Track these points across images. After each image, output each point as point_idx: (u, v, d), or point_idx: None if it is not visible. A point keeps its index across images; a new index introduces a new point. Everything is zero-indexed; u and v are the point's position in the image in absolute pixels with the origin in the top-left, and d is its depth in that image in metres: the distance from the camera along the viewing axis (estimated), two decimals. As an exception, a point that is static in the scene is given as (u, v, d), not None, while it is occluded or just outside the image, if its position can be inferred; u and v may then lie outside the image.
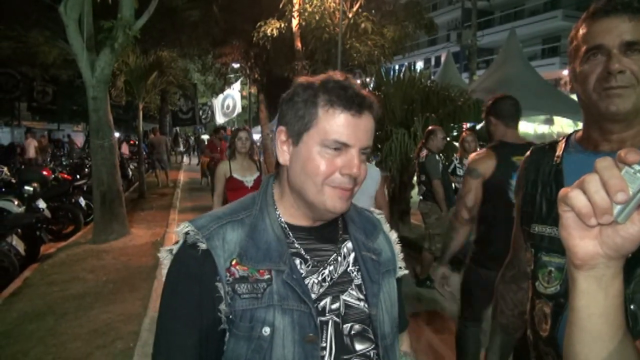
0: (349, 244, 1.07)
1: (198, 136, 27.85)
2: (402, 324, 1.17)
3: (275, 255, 0.96)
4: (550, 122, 13.08)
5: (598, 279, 0.64)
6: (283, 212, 1.04)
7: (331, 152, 0.95)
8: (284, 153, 1.01)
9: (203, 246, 0.95)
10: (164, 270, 1.00)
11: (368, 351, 1.00)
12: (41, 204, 7.10)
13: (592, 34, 1.08)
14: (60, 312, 4.61)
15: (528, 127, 14.00)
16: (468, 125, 8.43)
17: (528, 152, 1.36)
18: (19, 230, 6.20)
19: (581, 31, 1.12)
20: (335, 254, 1.04)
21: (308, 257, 1.01)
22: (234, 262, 0.95)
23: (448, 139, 7.52)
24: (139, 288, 5.03)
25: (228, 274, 0.94)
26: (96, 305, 4.76)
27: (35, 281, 5.55)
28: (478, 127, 8.30)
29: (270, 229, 1.00)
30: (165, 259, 1.00)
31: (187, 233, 0.97)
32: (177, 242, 1.00)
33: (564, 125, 12.39)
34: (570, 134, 1.27)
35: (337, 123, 0.95)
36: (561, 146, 1.24)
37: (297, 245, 1.01)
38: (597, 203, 0.57)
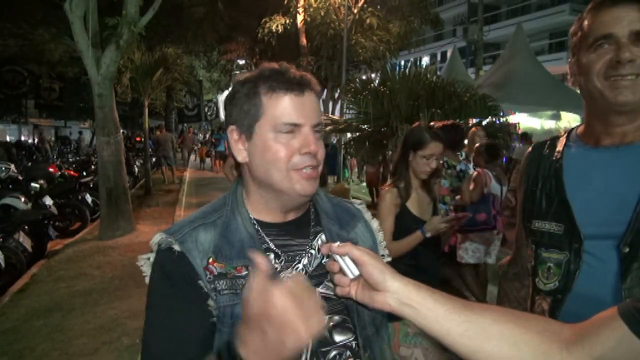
0: (323, 237, 1.07)
1: (182, 132, 26.14)
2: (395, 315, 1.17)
3: (249, 252, 0.96)
4: (557, 117, 12.98)
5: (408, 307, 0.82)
6: (252, 210, 1.05)
7: (285, 136, 0.96)
8: (240, 151, 1.02)
9: (177, 248, 0.96)
10: (146, 279, 1.00)
11: (349, 342, 1.01)
12: (48, 200, 7.14)
13: (601, 24, 1.07)
14: (67, 308, 4.64)
15: (535, 123, 13.90)
16: (474, 120, 8.38)
17: (530, 149, 1.35)
18: (26, 227, 6.25)
19: (588, 21, 1.11)
20: (307, 248, 1.05)
21: (280, 252, 1.02)
22: (210, 260, 0.95)
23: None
24: (145, 284, 5.09)
25: (207, 272, 0.95)
26: (102, 302, 4.79)
27: (42, 277, 5.59)
28: (484, 122, 8.25)
29: (242, 227, 1.00)
30: (144, 266, 1.01)
31: (160, 239, 0.99)
32: (152, 251, 1.01)
33: (571, 121, 12.28)
34: (572, 129, 1.26)
35: (282, 106, 0.96)
36: (562, 141, 1.24)
37: (268, 241, 1.02)
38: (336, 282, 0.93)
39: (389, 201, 2.55)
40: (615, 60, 1.05)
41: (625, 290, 1.01)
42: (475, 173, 4.33)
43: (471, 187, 4.22)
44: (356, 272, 0.87)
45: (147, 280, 1.00)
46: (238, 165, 1.07)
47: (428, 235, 2.41)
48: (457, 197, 4.28)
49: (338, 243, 0.90)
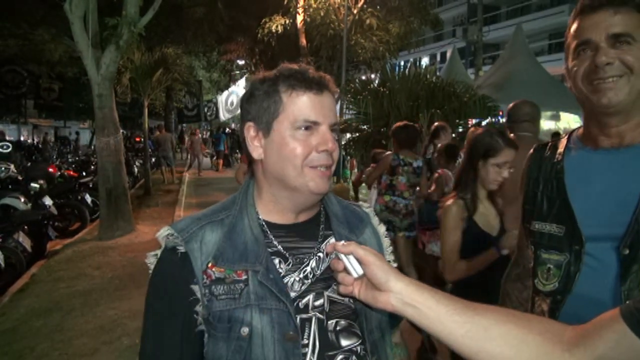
0: (332, 240, 1.06)
1: (182, 132, 27.53)
2: (395, 318, 1.15)
3: (252, 255, 0.97)
4: (556, 118, 13.00)
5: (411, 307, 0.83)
6: (262, 211, 1.05)
7: (303, 133, 0.97)
8: (256, 148, 1.02)
9: (181, 249, 0.97)
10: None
11: (355, 346, 1.00)
12: (47, 200, 7.14)
13: (580, 30, 1.11)
14: (67, 308, 4.64)
15: (534, 123, 13.90)
16: (474, 121, 8.40)
17: (531, 150, 1.36)
18: (26, 227, 6.25)
19: (571, 28, 1.15)
20: (316, 250, 1.04)
21: (288, 255, 1.01)
22: (209, 265, 0.96)
23: (453, 135, 7.49)
24: (145, 284, 5.03)
25: (205, 277, 0.95)
26: (102, 302, 4.79)
27: (42, 278, 5.59)
28: (484, 123, 8.27)
29: (248, 229, 1.00)
30: (152, 264, 1.02)
31: (167, 237, 1.00)
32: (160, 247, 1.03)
33: (570, 121, 12.30)
34: (573, 131, 1.28)
35: (302, 104, 0.97)
36: (563, 143, 1.25)
37: (276, 244, 1.02)
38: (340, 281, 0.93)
39: (456, 215, 2.29)
40: (593, 65, 1.07)
41: (624, 292, 1.01)
42: (436, 174, 4.56)
43: (432, 188, 4.42)
44: (360, 272, 0.88)
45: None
46: (251, 165, 1.08)
47: (504, 252, 2.16)
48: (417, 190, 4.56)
49: (343, 242, 0.91)
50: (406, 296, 0.82)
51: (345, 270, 0.90)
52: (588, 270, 1.09)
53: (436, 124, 5.71)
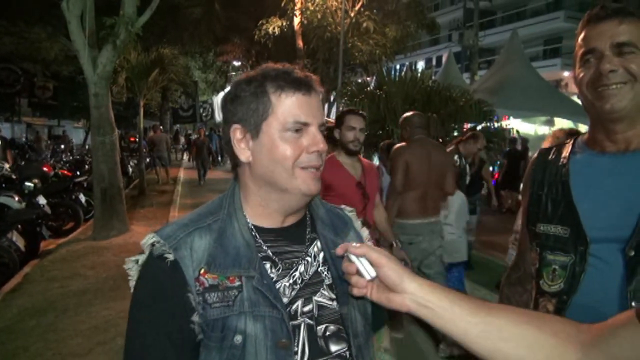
0: (319, 244, 1.06)
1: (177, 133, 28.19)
2: (378, 322, 1.16)
3: (244, 261, 0.94)
4: (550, 123, 13.09)
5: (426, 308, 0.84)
6: (250, 214, 1.02)
7: (293, 135, 0.96)
8: (243, 150, 0.99)
9: (170, 257, 0.92)
10: (131, 282, 0.96)
11: (343, 351, 0.99)
12: (41, 200, 7.10)
13: (587, 39, 1.16)
14: (61, 308, 4.62)
15: (528, 128, 14.01)
16: (469, 125, 8.44)
17: (535, 154, 1.39)
18: (19, 226, 6.20)
19: (579, 38, 1.20)
20: (304, 254, 1.03)
21: (277, 260, 0.99)
22: (202, 271, 0.92)
23: (447, 139, 7.54)
24: (139, 285, 5.04)
25: (198, 284, 0.91)
26: (96, 302, 4.77)
27: (36, 277, 5.56)
28: (479, 127, 8.31)
29: (239, 234, 0.98)
30: (131, 269, 0.97)
31: (152, 245, 0.95)
32: (142, 253, 0.97)
33: (564, 127, 12.37)
34: (577, 136, 1.31)
35: (291, 105, 0.96)
36: (568, 148, 1.28)
37: (265, 248, 1.00)
38: (354, 284, 0.91)
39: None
40: (597, 72, 1.11)
41: (630, 293, 1.03)
42: None
43: None
44: (373, 274, 0.87)
45: (132, 284, 0.96)
46: (235, 168, 1.05)
47: None
48: None
49: (354, 244, 0.90)
50: (420, 297, 0.83)
51: (358, 272, 0.89)
52: (593, 271, 1.11)
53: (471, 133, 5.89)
